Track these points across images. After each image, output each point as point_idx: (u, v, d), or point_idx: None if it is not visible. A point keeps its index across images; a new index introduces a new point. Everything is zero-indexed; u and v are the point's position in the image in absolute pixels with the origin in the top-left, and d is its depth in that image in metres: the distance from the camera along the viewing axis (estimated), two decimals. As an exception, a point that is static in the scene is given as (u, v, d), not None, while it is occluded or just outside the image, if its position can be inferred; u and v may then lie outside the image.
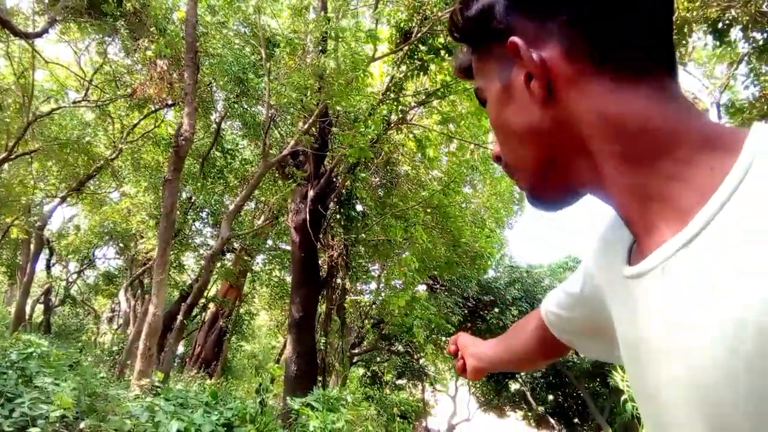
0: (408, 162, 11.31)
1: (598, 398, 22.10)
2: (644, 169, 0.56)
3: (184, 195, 12.57)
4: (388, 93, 9.57)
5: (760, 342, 0.43)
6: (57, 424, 4.51)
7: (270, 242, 16.00)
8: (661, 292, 0.53)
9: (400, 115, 9.88)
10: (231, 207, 8.66)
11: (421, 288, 13.72)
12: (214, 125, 11.93)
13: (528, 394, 24.33)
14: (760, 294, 0.43)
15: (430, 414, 23.29)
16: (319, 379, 9.82)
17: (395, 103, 9.60)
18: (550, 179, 0.65)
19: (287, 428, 5.45)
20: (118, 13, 10.09)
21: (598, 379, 21.99)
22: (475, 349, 1.20)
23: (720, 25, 7.32)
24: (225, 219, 8.21)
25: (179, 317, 8.53)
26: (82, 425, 4.69)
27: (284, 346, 15.17)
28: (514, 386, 25.83)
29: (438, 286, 14.67)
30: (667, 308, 0.52)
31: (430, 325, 11.12)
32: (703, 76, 12.10)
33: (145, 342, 7.25)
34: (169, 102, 11.82)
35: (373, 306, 13.25)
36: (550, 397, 25.09)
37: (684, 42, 7.66)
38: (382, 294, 12.61)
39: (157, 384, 7.05)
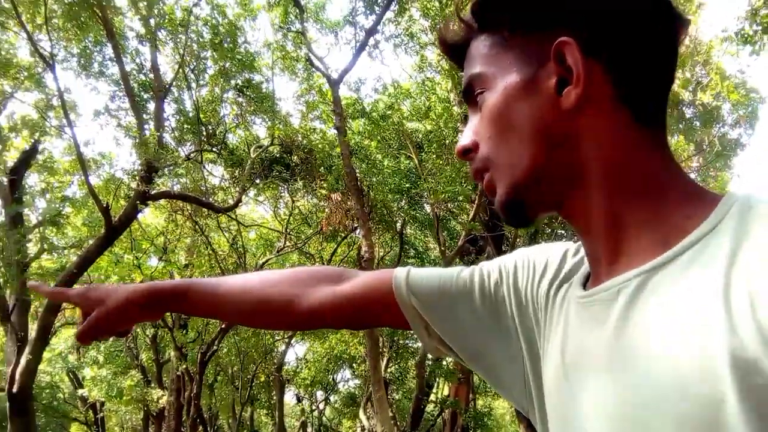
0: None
1: None
2: (633, 203, 0.60)
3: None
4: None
5: (715, 381, 0.44)
6: None
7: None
8: (632, 309, 0.55)
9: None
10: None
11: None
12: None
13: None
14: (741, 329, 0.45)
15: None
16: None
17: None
18: (540, 185, 0.64)
19: None
20: (292, 164, 11.48)
21: None
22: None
23: None
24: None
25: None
26: None
27: None
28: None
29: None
30: (637, 325, 0.53)
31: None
32: None
33: (379, 459, 7.54)
34: (355, 226, 12.84)
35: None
36: None
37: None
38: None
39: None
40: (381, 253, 13.81)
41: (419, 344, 13.40)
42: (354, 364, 19.23)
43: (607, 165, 0.61)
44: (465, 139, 0.69)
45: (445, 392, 19.30)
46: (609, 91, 0.60)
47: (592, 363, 0.58)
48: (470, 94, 0.69)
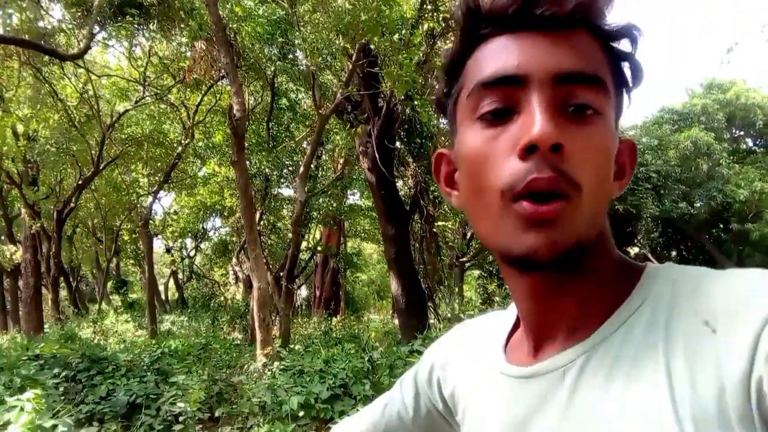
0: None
1: (722, 246, 21.26)
2: (595, 277, 0.58)
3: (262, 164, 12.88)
4: (424, 6, 9.15)
5: None
6: (196, 417, 5.05)
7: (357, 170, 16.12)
8: (579, 391, 0.54)
9: (443, 24, 9.43)
10: (301, 169, 8.85)
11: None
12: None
13: (649, 255, 23.80)
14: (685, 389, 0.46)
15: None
16: (430, 304, 10.12)
17: (435, 14, 9.17)
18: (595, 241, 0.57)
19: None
20: (148, 3, 10.20)
21: (720, 225, 21.12)
22: None
23: None
24: (298, 183, 8.41)
25: (283, 284, 9.01)
26: (217, 413, 5.24)
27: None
28: (633, 251, 25.36)
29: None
30: (587, 408, 0.53)
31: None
32: None
33: (258, 315, 7.76)
34: (222, 74, 11.99)
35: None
36: (673, 253, 24.46)
37: None
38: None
39: (279, 348, 7.64)
40: (251, 103, 13.20)
41: (293, 192, 13.43)
42: (225, 214, 19.10)
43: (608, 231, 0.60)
44: (559, 133, 0.51)
45: (317, 236, 20.02)
46: None
47: None
48: (575, 90, 0.53)
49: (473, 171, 0.56)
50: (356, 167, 14.29)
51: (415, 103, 8.75)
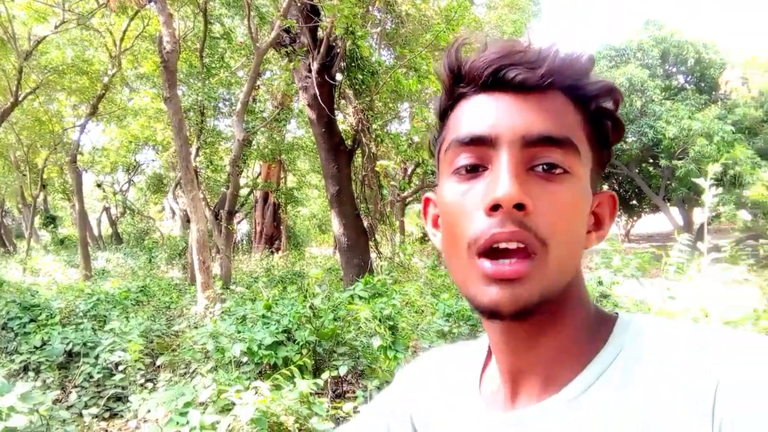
0: (408, 2, 10.54)
1: (651, 180, 22.18)
2: (570, 329, 0.62)
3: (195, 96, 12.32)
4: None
5: None
6: (137, 366, 4.97)
7: (297, 106, 15.68)
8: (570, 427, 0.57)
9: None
10: (238, 106, 8.49)
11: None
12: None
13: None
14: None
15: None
16: (371, 242, 10.19)
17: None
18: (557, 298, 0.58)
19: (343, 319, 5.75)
20: None
21: (650, 160, 21.95)
22: None
23: None
24: (236, 121, 8.09)
25: (223, 225, 8.81)
26: (158, 362, 5.17)
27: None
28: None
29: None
30: None
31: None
32: None
33: (199, 257, 7.60)
34: (150, -1, 11.21)
35: (408, 149, 13.12)
36: (605, 187, 25.35)
37: None
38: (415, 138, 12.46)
39: (220, 291, 7.55)
40: (183, 30, 12.46)
41: (231, 127, 13.00)
42: (158, 149, 18.37)
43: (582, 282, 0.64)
44: (522, 193, 0.54)
45: (256, 171, 19.62)
46: None
47: None
48: (543, 151, 0.57)
49: (448, 221, 0.60)
50: (295, 100, 13.90)
51: (358, 34, 8.47)
